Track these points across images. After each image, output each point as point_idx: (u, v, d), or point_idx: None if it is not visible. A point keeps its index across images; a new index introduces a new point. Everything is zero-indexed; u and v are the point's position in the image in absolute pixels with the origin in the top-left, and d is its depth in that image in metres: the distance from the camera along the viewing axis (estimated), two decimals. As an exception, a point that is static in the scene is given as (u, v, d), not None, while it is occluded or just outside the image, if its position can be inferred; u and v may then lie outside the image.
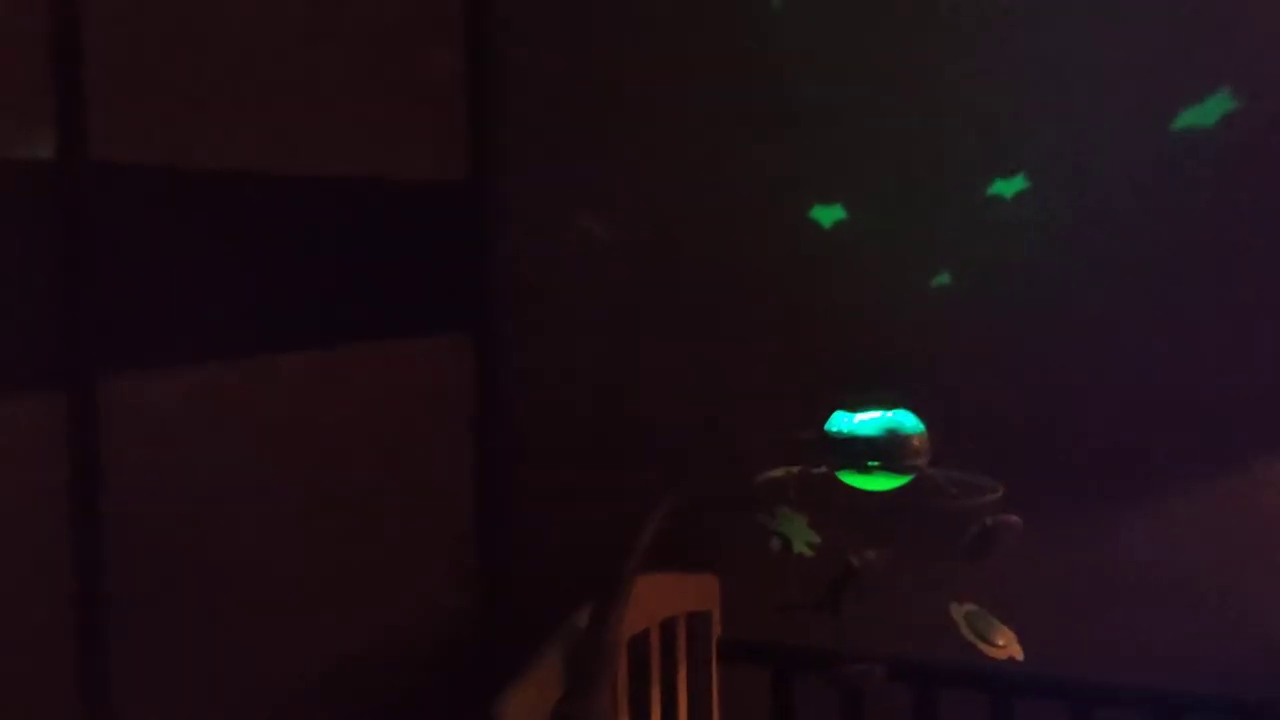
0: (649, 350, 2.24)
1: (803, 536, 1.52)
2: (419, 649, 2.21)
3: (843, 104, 2.07)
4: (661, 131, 2.21)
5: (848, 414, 1.51)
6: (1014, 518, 1.47)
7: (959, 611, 1.56)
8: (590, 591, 1.68)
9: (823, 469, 1.53)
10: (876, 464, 1.47)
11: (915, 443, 1.49)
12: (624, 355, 2.26)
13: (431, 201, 2.23)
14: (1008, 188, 1.98)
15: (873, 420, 1.50)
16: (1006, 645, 1.54)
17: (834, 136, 2.08)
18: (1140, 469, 1.93)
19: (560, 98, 2.29)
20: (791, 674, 2.08)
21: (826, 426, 1.52)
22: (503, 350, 2.34)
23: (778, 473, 1.57)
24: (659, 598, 1.93)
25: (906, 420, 1.50)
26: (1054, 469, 1.96)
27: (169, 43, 1.73)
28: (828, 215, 2.09)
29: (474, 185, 2.31)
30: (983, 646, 1.51)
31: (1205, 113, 1.83)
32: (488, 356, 2.33)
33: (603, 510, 1.70)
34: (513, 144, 2.32)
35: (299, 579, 1.96)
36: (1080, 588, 1.97)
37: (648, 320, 2.24)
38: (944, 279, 2.02)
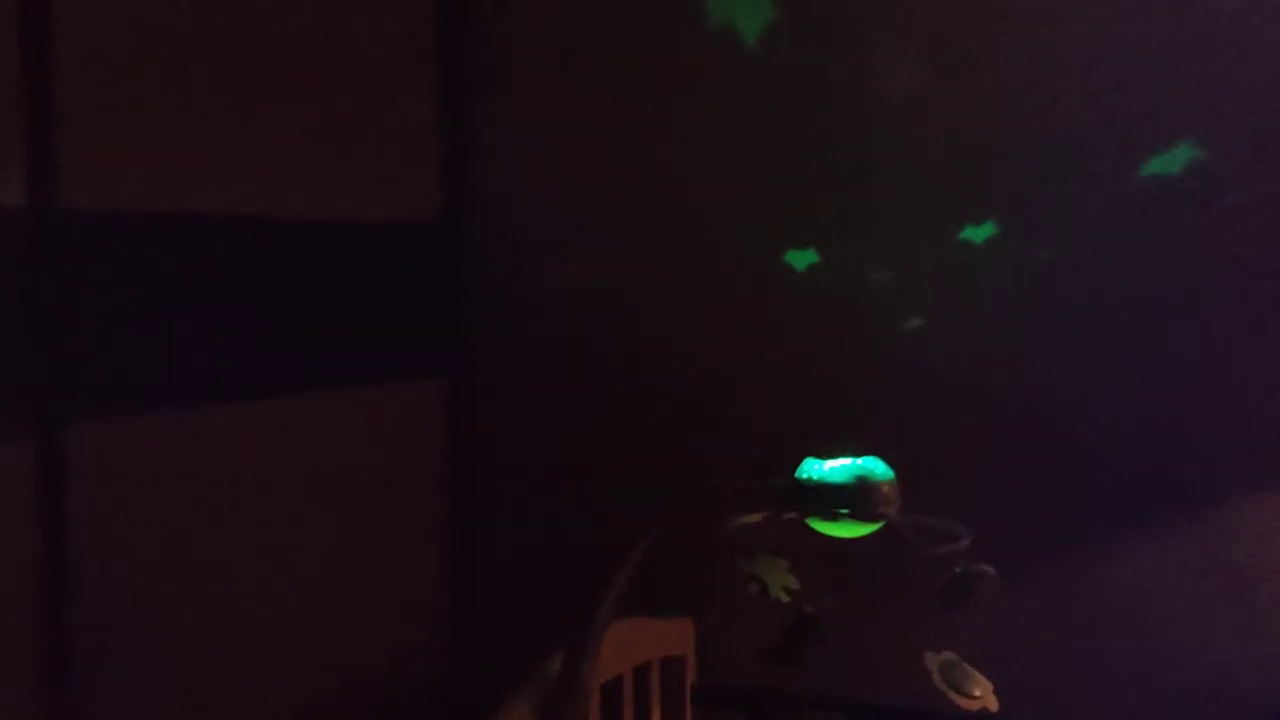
0: (623, 395, 2.24)
1: (781, 581, 1.51)
2: (392, 695, 2.19)
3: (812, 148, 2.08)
4: (635, 176, 2.21)
5: (818, 461, 1.51)
6: (986, 568, 1.47)
7: (934, 661, 1.56)
8: (563, 637, 1.67)
9: (793, 515, 1.53)
10: (845, 511, 1.47)
11: (884, 490, 1.48)
12: (598, 399, 2.25)
13: (405, 245, 2.23)
14: (978, 234, 1.99)
15: (842, 467, 1.49)
16: (982, 696, 1.53)
17: (805, 182, 2.09)
18: (1113, 521, 1.94)
19: (535, 141, 2.30)
20: (769, 717, 2.06)
21: (797, 473, 1.51)
22: (477, 395, 2.34)
23: (750, 518, 1.56)
24: (633, 643, 1.92)
25: (876, 467, 1.50)
26: (1027, 519, 1.97)
27: (139, 87, 1.74)
28: (801, 259, 2.10)
29: (448, 229, 2.31)
30: (956, 698, 1.51)
31: (1171, 161, 1.85)
32: (462, 401, 2.33)
33: (576, 555, 1.69)
34: (488, 187, 2.32)
35: (270, 627, 1.95)
36: (1052, 639, 1.97)
37: (622, 365, 2.24)
38: (917, 322, 2.03)
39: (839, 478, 1.48)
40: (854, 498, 1.47)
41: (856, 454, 1.51)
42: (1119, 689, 1.94)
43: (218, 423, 1.85)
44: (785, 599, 1.53)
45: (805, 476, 1.50)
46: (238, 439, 1.89)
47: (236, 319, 1.89)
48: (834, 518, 1.47)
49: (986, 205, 1.97)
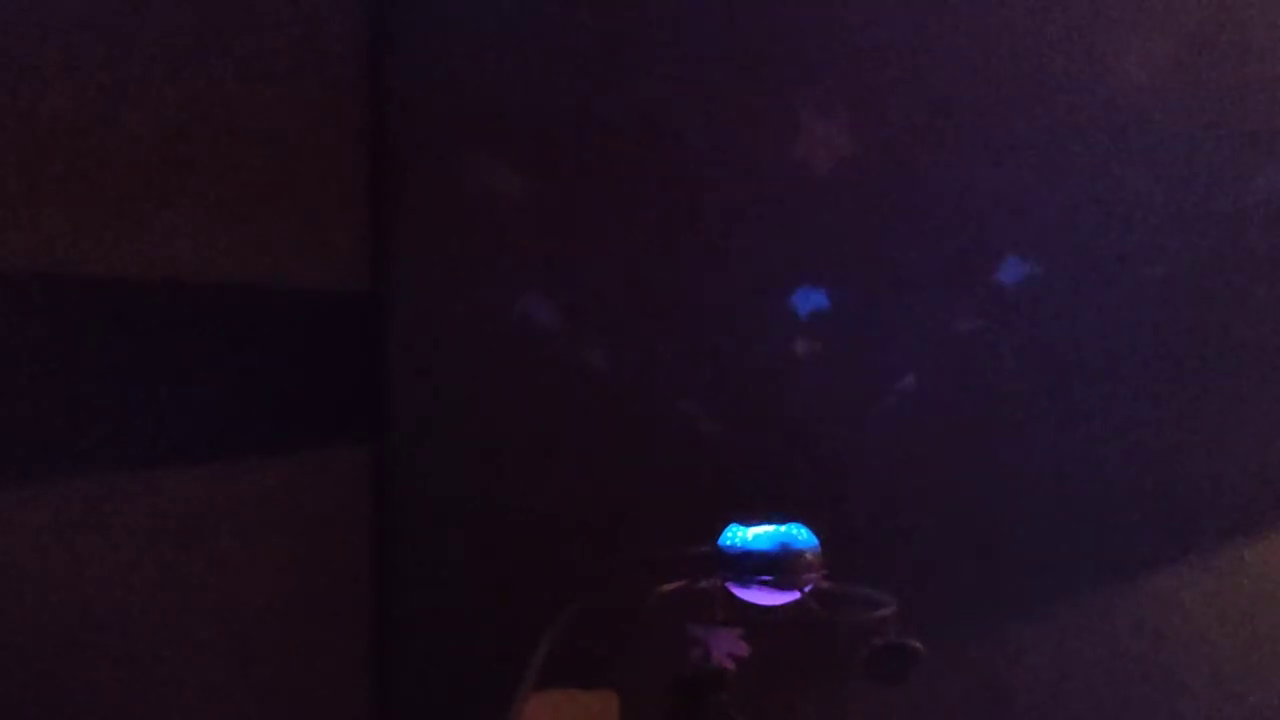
0: (548, 466, 2.23)
1: (725, 647, 1.51)
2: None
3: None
4: (562, 246, 2.22)
5: (741, 527, 1.51)
6: (913, 642, 1.47)
7: None
8: (485, 712, 1.65)
9: (715, 582, 1.53)
10: (768, 579, 1.47)
11: (808, 558, 1.49)
12: (523, 469, 2.24)
13: (328, 312, 2.22)
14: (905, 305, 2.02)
15: (766, 534, 1.50)
16: None
17: (728, 249, 2.11)
18: (1041, 589, 1.95)
19: (467, 207, 2.30)
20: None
21: (720, 540, 1.52)
22: (400, 465, 2.31)
23: (671, 586, 1.56)
24: (556, 715, 1.90)
25: (800, 534, 1.51)
26: (950, 592, 1.97)
27: (39, 139, 1.70)
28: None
29: (374, 296, 2.30)
30: None
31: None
32: (385, 471, 2.30)
33: (498, 629, 1.68)
34: (416, 254, 2.32)
35: (181, 703, 1.89)
36: (970, 705, 1.97)
37: (546, 435, 2.23)
38: (840, 392, 2.05)
39: (762, 544, 1.49)
40: (777, 565, 1.47)
41: (780, 522, 1.52)
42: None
43: (124, 491, 1.81)
44: (730, 666, 1.53)
45: (728, 543, 1.51)
46: (144, 508, 1.84)
47: (144, 384, 1.85)
48: (756, 584, 1.47)
49: (914, 274, 2.00)
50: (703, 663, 1.50)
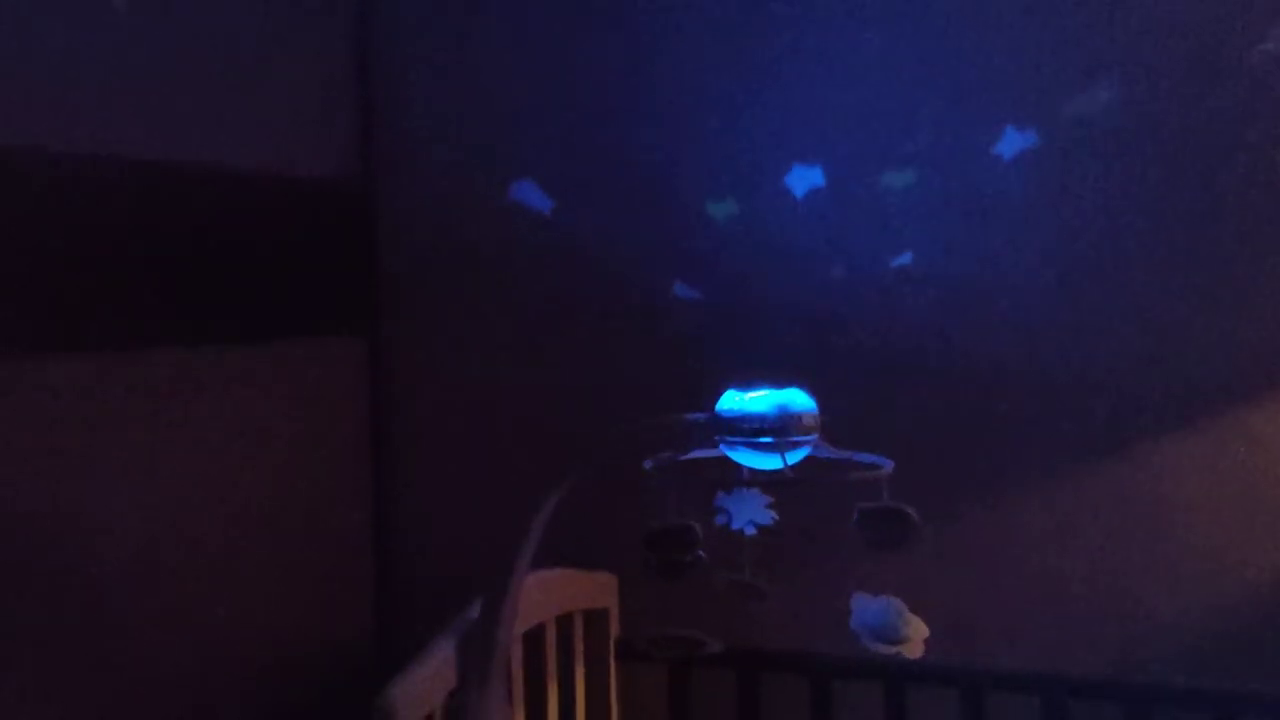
0: (544, 345, 2.22)
1: (748, 515, 1.49)
2: (310, 653, 2.16)
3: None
4: (552, 126, 2.19)
5: (738, 392, 1.50)
6: (905, 506, 1.46)
7: (860, 604, 1.55)
8: (483, 585, 1.65)
9: (715, 449, 1.52)
10: (767, 440, 1.46)
11: (806, 420, 1.48)
12: (519, 350, 2.24)
13: (319, 200, 2.20)
14: (898, 180, 2.00)
15: (763, 397, 1.48)
16: (906, 642, 1.52)
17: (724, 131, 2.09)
18: (1036, 456, 1.95)
19: (457, 93, 2.27)
20: (689, 671, 2.06)
21: (717, 406, 1.50)
22: (395, 351, 2.30)
23: (666, 455, 1.55)
24: (555, 593, 1.91)
25: (797, 398, 1.49)
26: (946, 459, 1.97)
27: (28, 17, 1.67)
28: (721, 210, 2.10)
29: (363, 185, 2.28)
30: (870, 643, 1.50)
31: (1093, 101, 1.87)
32: (380, 358, 2.29)
33: (496, 508, 1.67)
34: (404, 144, 2.29)
35: (177, 587, 1.90)
36: (974, 576, 1.98)
37: (542, 317, 2.22)
38: (837, 271, 2.03)
39: (760, 408, 1.47)
40: (775, 427, 1.46)
41: (777, 386, 1.51)
42: (1036, 624, 1.95)
43: (112, 370, 1.79)
44: (752, 532, 1.52)
45: (725, 408, 1.49)
46: (138, 388, 1.83)
47: (134, 264, 1.83)
48: (755, 447, 1.46)
49: (910, 150, 1.98)
50: (674, 517, 1.48)
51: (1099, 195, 1.90)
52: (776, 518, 1.50)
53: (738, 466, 1.50)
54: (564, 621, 1.94)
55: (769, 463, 1.48)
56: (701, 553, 1.48)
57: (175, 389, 1.89)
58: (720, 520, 1.51)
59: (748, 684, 2.03)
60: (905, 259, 2.00)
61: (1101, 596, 1.92)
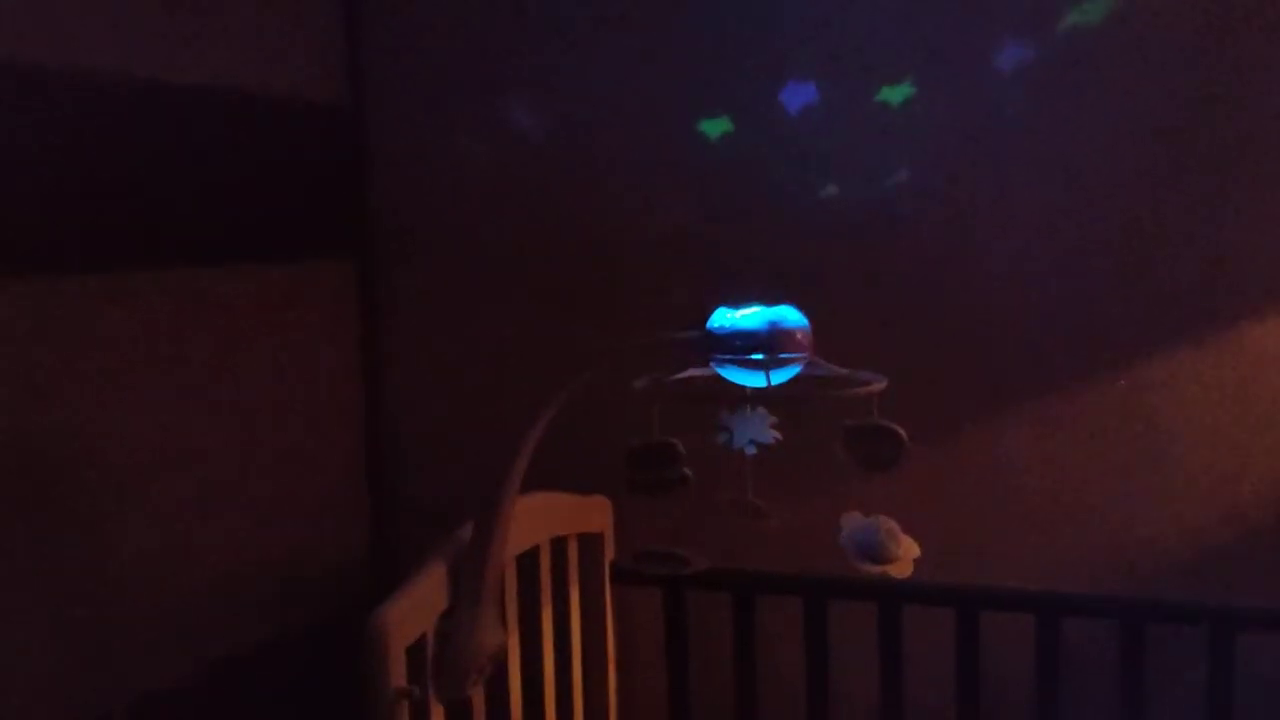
0: (533, 267, 2.20)
1: (750, 434, 1.48)
2: (305, 575, 2.16)
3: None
4: (544, 47, 2.15)
5: (730, 309, 1.48)
6: (891, 424, 1.44)
7: (850, 523, 1.54)
8: (475, 506, 1.64)
9: (707, 368, 1.50)
10: (758, 358, 1.44)
11: (798, 337, 1.46)
12: (510, 271, 2.21)
13: (307, 121, 2.16)
14: (895, 95, 1.97)
15: (755, 314, 1.46)
16: (895, 563, 1.51)
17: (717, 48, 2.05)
18: (1023, 372, 1.94)
19: (441, 15, 2.22)
20: (684, 593, 2.06)
21: (708, 324, 1.48)
22: (385, 274, 2.28)
23: (658, 374, 1.53)
24: (549, 517, 1.90)
25: (789, 314, 1.47)
26: (940, 379, 1.96)
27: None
28: (715, 127, 2.06)
29: (352, 106, 2.24)
30: (860, 563, 1.49)
31: (1092, 10, 1.83)
32: (370, 280, 2.27)
33: (491, 429, 1.66)
34: (393, 64, 2.25)
35: (167, 512, 1.89)
36: (969, 495, 1.97)
37: (533, 238, 2.20)
38: (832, 189, 2.00)
39: (751, 324, 1.45)
40: (767, 344, 1.44)
41: (769, 303, 1.49)
42: (1031, 550, 1.95)
43: (95, 292, 1.77)
44: (753, 451, 1.51)
45: (717, 325, 1.47)
46: (127, 309, 1.81)
47: (119, 183, 1.80)
48: (747, 365, 1.44)
49: (907, 65, 1.95)
50: (653, 435, 1.47)
51: (1096, 109, 1.87)
52: (779, 437, 1.48)
53: (730, 385, 1.48)
54: (558, 545, 1.94)
55: (760, 380, 1.46)
56: (687, 470, 1.47)
57: (158, 312, 1.87)
58: (722, 439, 1.50)
59: (743, 605, 2.02)
60: (901, 176, 1.97)
61: (1096, 514, 1.92)
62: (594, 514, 2.02)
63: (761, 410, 1.49)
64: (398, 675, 1.47)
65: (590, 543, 2.01)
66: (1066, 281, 1.91)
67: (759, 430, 1.49)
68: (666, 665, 2.06)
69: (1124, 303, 1.88)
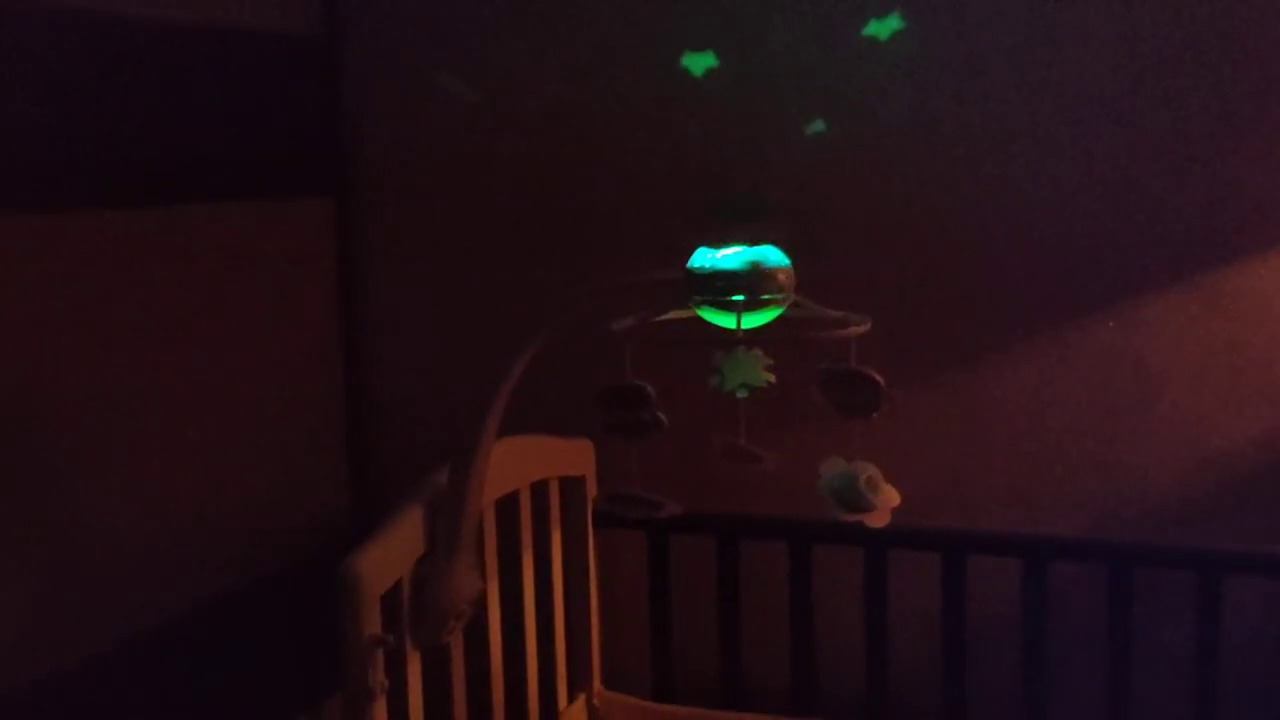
0: (515, 208, 2.16)
1: (742, 376, 1.45)
2: (284, 522, 2.13)
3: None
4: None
5: (710, 250, 1.44)
6: (867, 369, 1.40)
7: (832, 469, 1.51)
8: (452, 449, 1.61)
9: (688, 309, 1.46)
10: (739, 299, 1.40)
11: (780, 277, 1.42)
12: (492, 211, 2.17)
13: (282, 55, 2.11)
14: (883, 29, 1.91)
15: (736, 254, 1.42)
16: (873, 511, 1.48)
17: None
18: (1012, 312, 1.91)
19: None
20: (667, 538, 2.04)
21: (689, 264, 1.45)
22: (364, 213, 2.24)
23: (638, 316, 1.50)
24: (529, 460, 1.87)
25: (771, 255, 1.43)
26: (929, 321, 1.93)
27: None
28: (699, 63, 2.01)
29: (328, 39, 2.19)
30: (836, 510, 1.47)
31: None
32: (349, 220, 2.23)
33: (472, 373, 1.63)
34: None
35: (142, 459, 1.86)
36: (956, 439, 1.95)
37: (513, 177, 2.15)
38: (819, 125, 1.95)
39: (732, 264, 1.41)
40: (748, 284, 1.40)
41: (751, 243, 1.45)
42: (1018, 486, 1.93)
43: (63, 232, 1.72)
44: (743, 394, 1.48)
45: (697, 265, 1.44)
46: (91, 248, 1.76)
47: (84, 118, 1.75)
48: (727, 306, 1.40)
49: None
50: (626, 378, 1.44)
51: (1091, 42, 1.82)
52: (772, 380, 1.45)
53: (710, 327, 1.45)
54: (539, 489, 1.91)
55: (742, 321, 1.43)
56: (661, 414, 1.44)
57: (128, 252, 1.82)
58: (714, 381, 1.46)
59: (728, 550, 2.00)
60: (888, 111, 1.92)
61: (1085, 458, 1.90)
62: (576, 457, 1.99)
63: (756, 352, 1.45)
64: (372, 623, 1.45)
65: (572, 486, 1.99)
66: (1056, 221, 1.87)
67: (751, 373, 1.46)
68: (650, 610, 2.05)
69: (1114, 243, 1.85)
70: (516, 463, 1.81)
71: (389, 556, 1.51)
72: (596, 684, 2.01)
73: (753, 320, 1.43)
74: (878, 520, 1.49)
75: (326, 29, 2.18)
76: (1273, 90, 1.76)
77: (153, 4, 1.84)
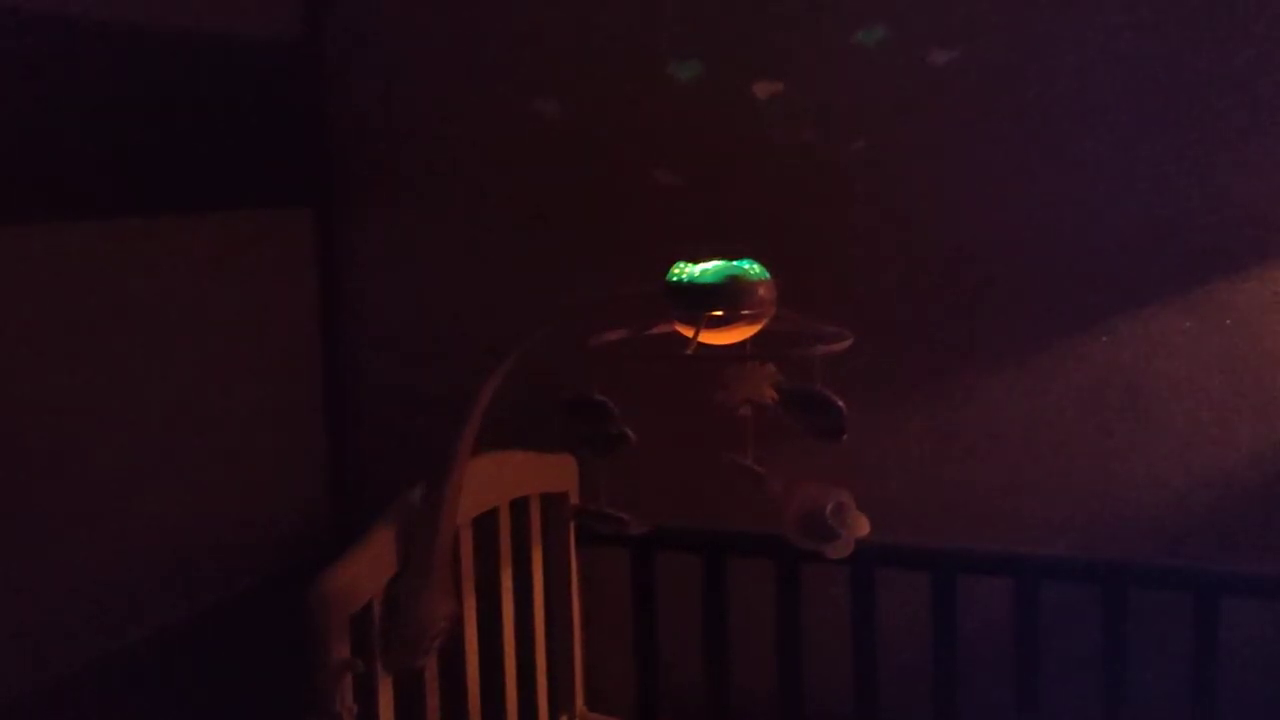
0: (497, 219, 2.12)
1: (745, 393, 1.42)
2: (261, 536, 2.10)
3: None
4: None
5: (689, 264, 1.40)
6: (823, 390, 1.35)
7: (796, 492, 1.49)
8: (429, 463, 1.58)
9: (668, 326, 1.43)
10: (718, 314, 1.36)
11: (760, 291, 1.38)
12: (476, 222, 2.14)
13: (264, 63, 2.07)
14: (869, 37, 1.88)
15: (715, 268, 1.38)
16: (837, 544, 1.45)
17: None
18: (1004, 329, 1.87)
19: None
20: (653, 556, 2.00)
21: (667, 276, 1.41)
22: (345, 222, 2.20)
23: (618, 331, 1.46)
24: (510, 476, 1.83)
25: (751, 268, 1.39)
26: (917, 336, 1.89)
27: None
28: (686, 70, 1.98)
29: (311, 47, 2.16)
30: (800, 540, 1.44)
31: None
32: (329, 229, 2.19)
33: (453, 387, 1.60)
34: (355, 2, 2.17)
35: (118, 468, 1.83)
36: (947, 457, 1.91)
37: (495, 188, 2.12)
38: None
39: (711, 278, 1.38)
40: (727, 298, 1.37)
41: (730, 257, 1.41)
42: (1009, 505, 1.89)
43: (41, 241, 1.69)
44: (746, 412, 1.46)
45: (675, 279, 1.40)
46: (69, 259, 1.73)
47: (71, 131, 1.72)
48: (705, 321, 1.37)
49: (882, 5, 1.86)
50: (587, 390, 1.41)
51: (1084, 56, 1.79)
52: (776, 397, 1.41)
53: (688, 341, 1.41)
54: (519, 505, 1.87)
55: (724, 337, 1.39)
56: (627, 430, 1.40)
57: (107, 261, 1.79)
58: (719, 397, 1.44)
59: (714, 568, 1.96)
60: (876, 122, 1.89)
61: (1078, 477, 1.86)
62: (559, 472, 1.95)
63: (770, 367, 1.42)
64: (340, 646, 1.41)
65: (554, 502, 1.95)
66: (1047, 236, 1.83)
67: (754, 389, 1.43)
68: (634, 629, 2.01)
69: (1107, 259, 1.81)
70: (496, 479, 1.77)
71: (359, 577, 1.47)
72: (579, 704, 1.97)
73: (724, 335, 1.39)
74: (838, 551, 1.46)
75: (308, 37, 2.15)
76: (1265, 105, 1.72)
77: (132, 11, 1.81)
